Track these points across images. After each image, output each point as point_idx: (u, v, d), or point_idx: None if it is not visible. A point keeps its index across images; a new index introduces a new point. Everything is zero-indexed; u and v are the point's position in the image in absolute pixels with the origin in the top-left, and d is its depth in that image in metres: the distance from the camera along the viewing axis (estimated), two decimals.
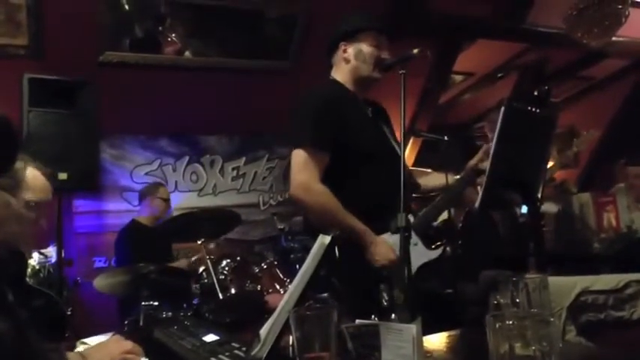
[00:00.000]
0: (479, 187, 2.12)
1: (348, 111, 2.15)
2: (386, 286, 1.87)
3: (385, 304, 1.85)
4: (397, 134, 2.30)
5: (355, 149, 2.10)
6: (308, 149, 2.06)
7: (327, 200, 2.03)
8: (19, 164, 1.65)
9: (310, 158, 2.05)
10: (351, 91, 2.24)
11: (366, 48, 2.19)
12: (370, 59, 2.18)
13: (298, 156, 2.08)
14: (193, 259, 3.98)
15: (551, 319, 0.83)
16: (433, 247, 2.05)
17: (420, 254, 2.04)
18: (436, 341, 1.48)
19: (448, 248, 2.13)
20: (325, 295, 1.64)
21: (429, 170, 2.65)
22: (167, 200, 4.26)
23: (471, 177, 2.27)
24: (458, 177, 2.33)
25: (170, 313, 2.47)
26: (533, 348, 0.80)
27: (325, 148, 2.07)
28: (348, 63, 2.22)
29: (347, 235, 1.99)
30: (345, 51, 2.22)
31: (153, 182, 4.52)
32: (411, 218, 1.91)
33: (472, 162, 2.27)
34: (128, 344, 1.68)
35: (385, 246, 2.01)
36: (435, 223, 2.14)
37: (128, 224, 4.14)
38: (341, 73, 2.26)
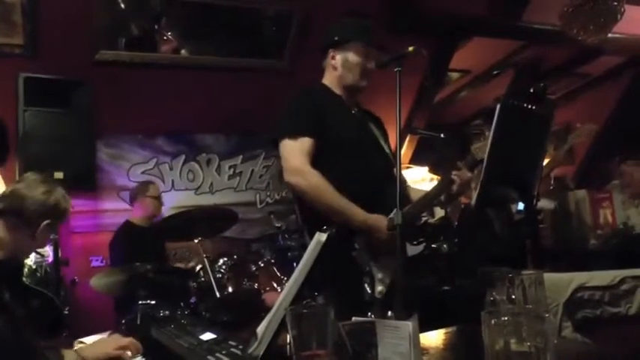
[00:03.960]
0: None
1: (332, 108, 2.19)
2: (368, 281, 1.88)
3: (367, 298, 1.86)
4: (392, 132, 2.30)
5: (338, 144, 2.12)
6: (290, 137, 2.10)
7: (320, 182, 2.05)
8: (65, 198, 1.85)
9: (295, 145, 2.09)
10: (338, 94, 2.27)
11: (352, 57, 2.22)
12: (356, 69, 2.22)
13: (284, 146, 2.12)
14: (190, 264, 3.96)
15: (546, 316, 0.83)
16: (415, 242, 2.06)
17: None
18: (433, 338, 1.48)
19: (445, 245, 2.13)
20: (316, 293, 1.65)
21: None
22: (158, 198, 4.23)
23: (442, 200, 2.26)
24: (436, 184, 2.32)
25: (167, 312, 2.47)
26: (529, 344, 0.80)
27: (307, 133, 2.10)
28: (335, 70, 2.27)
29: (341, 216, 2.00)
30: (333, 58, 2.27)
31: (142, 181, 4.48)
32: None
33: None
34: (124, 340, 1.69)
35: (383, 220, 2.01)
36: (432, 220, 2.15)
37: (122, 226, 4.12)
38: (329, 79, 2.31)
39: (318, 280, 1.97)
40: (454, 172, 2.08)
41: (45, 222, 1.82)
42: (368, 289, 1.92)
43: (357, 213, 2.02)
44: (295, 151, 2.09)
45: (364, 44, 2.23)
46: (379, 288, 1.94)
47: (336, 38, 2.26)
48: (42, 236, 1.85)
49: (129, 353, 1.67)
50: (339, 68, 2.25)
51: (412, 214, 2.06)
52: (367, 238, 2.01)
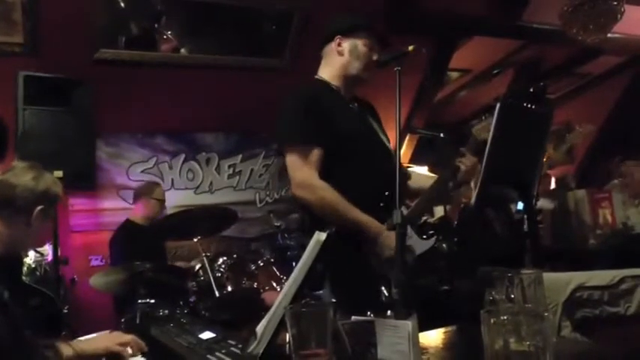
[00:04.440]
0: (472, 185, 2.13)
1: (331, 106, 2.15)
2: (385, 283, 1.87)
3: (384, 300, 1.86)
4: (391, 131, 2.30)
5: (341, 143, 2.10)
6: (298, 147, 2.07)
7: (330, 195, 2.02)
8: (55, 183, 1.85)
9: (303, 156, 2.06)
10: (336, 88, 2.24)
11: (361, 46, 2.20)
12: (363, 58, 2.19)
13: (291, 157, 2.09)
14: (191, 264, 3.97)
15: (545, 315, 0.83)
16: (425, 237, 2.04)
17: (414, 246, 2.04)
18: (432, 337, 1.48)
19: (444, 244, 2.13)
20: (321, 291, 1.65)
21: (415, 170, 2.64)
22: (162, 201, 4.24)
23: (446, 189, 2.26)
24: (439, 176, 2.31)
25: (166, 311, 2.46)
26: (528, 343, 0.80)
27: (315, 143, 2.07)
28: (341, 56, 2.22)
29: (353, 228, 1.99)
30: (339, 44, 2.22)
31: (148, 182, 4.49)
32: (404, 210, 1.90)
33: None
34: (126, 337, 1.70)
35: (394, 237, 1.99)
36: (431, 220, 2.14)
37: (122, 224, 4.13)
38: (330, 67, 2.26)
39: (333, 282, 1.96)
40: (458, 159, 2.07)
41: (38, 208, 1.81)
42: (385, 291, 1.91)
43: (370, 225, 2.00)
44: (303, 164, 2.06)
45: (372, 35, 2.21)
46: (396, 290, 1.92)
47: (345, 25, 2.23)
48: (37, 223, 1.83)
49: (129, 350, 1.67)
50: (345, 55, 2.21)
51: (412, 218, 2.06)
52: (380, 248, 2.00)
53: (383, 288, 1.90)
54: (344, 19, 2.28)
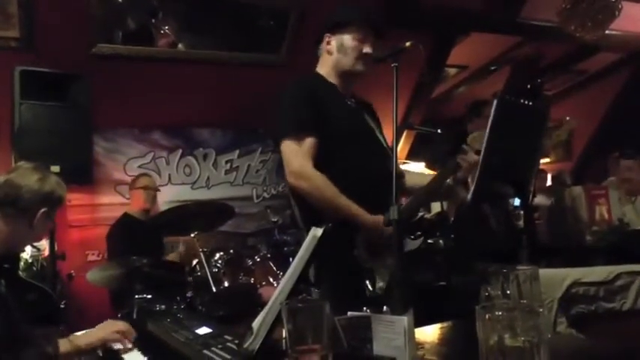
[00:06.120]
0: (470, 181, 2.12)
1: (327, 99, 2.15)
2: (369, 277, 1.88)
3: (368, 295, 1.86)
4: (388, 127, 2.29)
5: (335, 136, 2.10)
6: (293, 137, 2.07)
7: (322, 185, 2.02)
8: (60, 185, 1.85)
9: (297, 145, 2.06)
10: (333, 83, 2.23)
11: (348, 41, 2.18)
12: (352, 52, 2.17)
13: (286, 146, 2.09)
14: (181, 249, 3.99)
15: (540, 310, 0.84)
16: (413, 237, 2.05)
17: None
18: (428, 333, 1.49)
19: (441, 240, 2.13)
20: (316, 290, 1.65)
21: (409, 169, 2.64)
22: (146, 188, 4.25)
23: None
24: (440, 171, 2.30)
25: (163, 306, 2.46)
26: (522, 339, 0.81)
27: (309, 131, 2.07)
28: (331, 55, 2.22)
29: (344, 218, 1.98)
30: (328, 43, 2.22)
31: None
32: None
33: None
34: (119, 324, 1.71)
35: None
36: (428, 216, 2.14)
37: (120, 218, 4.15)
38: (324, 66, 2.26)
39: (319, 276, 1.96)
40: (460, 156, 2.07)
41: (42, 210, 1.81)
42: (369, 285, 1.92)
43: (363, 215, 1.99)
44: (297, 153, 2.06)
45: (360, 28, 2.18)
46: (379, 284, 1.93)
47: (331, 21, 2.22)
48: (39, 225, 1.83)
49: (127, 343, 1.68)
50: (334, 52, 2.20)
51: (410, 211, 2.06)
52: (369, 238, 2.00)
53: (367, 282, 1.91)
54: (332, 15, 2.26)
